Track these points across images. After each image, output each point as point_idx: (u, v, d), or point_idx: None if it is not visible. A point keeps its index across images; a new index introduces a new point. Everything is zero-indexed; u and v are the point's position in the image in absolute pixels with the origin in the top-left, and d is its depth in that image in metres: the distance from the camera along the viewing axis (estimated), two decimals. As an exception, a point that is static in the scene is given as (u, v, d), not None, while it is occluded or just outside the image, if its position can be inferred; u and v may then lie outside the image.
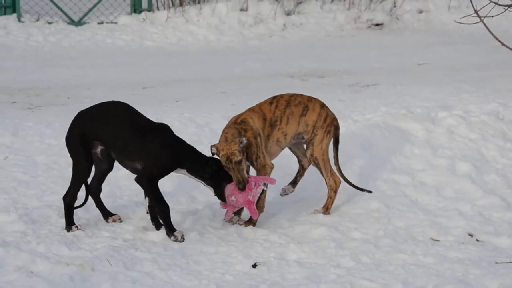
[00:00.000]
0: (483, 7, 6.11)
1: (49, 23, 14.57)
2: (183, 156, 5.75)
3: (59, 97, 9.91)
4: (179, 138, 5.87)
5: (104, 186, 6.67)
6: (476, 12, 5.68)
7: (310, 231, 5.98)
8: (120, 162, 5.85)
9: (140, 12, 15.37)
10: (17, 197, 6.35)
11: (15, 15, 14.56)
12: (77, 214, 6.01)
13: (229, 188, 5.82)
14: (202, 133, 8.29)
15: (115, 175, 6.99)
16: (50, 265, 5.16)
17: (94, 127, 5.73)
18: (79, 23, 14.86)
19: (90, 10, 15.27)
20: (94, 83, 10.73)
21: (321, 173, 6.25)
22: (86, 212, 6.08)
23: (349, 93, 10.29)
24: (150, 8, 15.49)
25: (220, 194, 5.84)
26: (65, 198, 5.81)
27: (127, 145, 5.69)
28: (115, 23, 14.99)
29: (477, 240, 5.98)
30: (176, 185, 6.77)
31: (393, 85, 10.58)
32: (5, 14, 14.60)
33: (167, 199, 6.46)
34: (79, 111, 5.91)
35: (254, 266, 5.40)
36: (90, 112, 5.84)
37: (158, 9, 15.47)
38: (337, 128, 6.30)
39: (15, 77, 10.98)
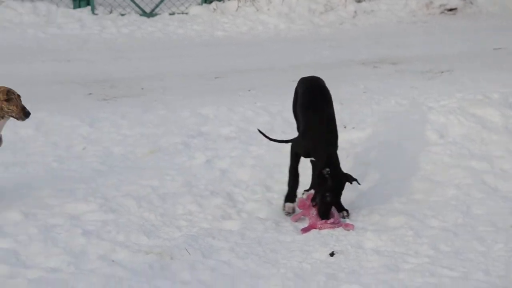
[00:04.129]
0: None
1: (122, 15, 14.76)
2: None
3: (133, 88, 10.03)
4: None
5: (179, 174, 6.75)
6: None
7: (387, 219, 5.92)
8: None
9: (210, 2, 15.44)
10: (96, 187, 6.45)
11: (89, 7, 14.79)
12: (153, 203, 6.09)
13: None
14: (274, 122, 8.30)
15: (190, 164, 7.06)
16: (130, 253, 5.23)
17: None
18: (151, 14, 15.02)
19: (161, 1, 15.40)
20: (167, 74, 10.83)
21: None
22: (163, 201, 6.14)
23: (423, 79, 10.16)
24: (220, -2, 15.56)
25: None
26: None
27: None
28: (186, 13, 15.10)
29: (559, 227, 5.83)
30: (251, 175, 6.78)
31: (468, 70, 10.40)
32: (79, 7, 14.85)
33: (243, 189, 6.50)
34: None
35: (332, 254, 5.38)
36: None
37: (228, -1, 15.53)
38: None
39: (90, 69, 11.16)
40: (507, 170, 6.84)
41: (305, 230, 5.76)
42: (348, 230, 5.74)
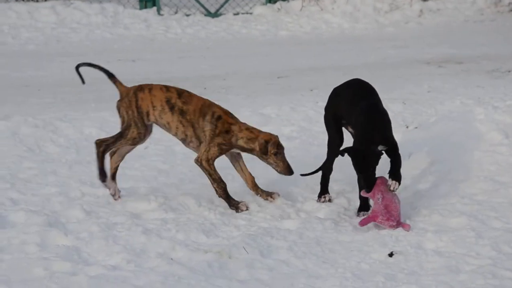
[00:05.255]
0: None
1: (187, 15, 14.90)
2: None
3: (196, 87, 10.08)
4: None
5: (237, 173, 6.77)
6: None
7: (448, 220, 5.84)
8: None
9: (275, 2, 15.46)
10: (157, 186, 6.53)
11: (155, 8, 14.97)
12: (213, 202, 6.12)
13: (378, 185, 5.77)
14: (337, 122, 8.24)
15: (251, 164, 7.08)
16: (189, 252, 5.27)
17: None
18: (215, 14, 15.11)
19: (226, 1, 15.49)
20: (230, 73, 10.89)
21: None
22: (223, 201, 6.17)
23: (489, 79, 9.99)
24: (284, -2, 15.56)
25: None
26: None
27: None
28: (251, 13, 15.15)
29: None
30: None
31: (536, 70, 10.20)
32: (145, 8, 15.04)
33: (302, 188, 6.48)
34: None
35: (391, 255, 5.33)
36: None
37: (292, -1, 15.52)
38: None
39: (154, 69, 11.29)
40: None
41: (363, 222, 5.73)
42: (406, 230, 5.68)
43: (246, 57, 12.19)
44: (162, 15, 14.83)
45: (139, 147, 7.55)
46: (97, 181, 6.23)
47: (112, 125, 8.09)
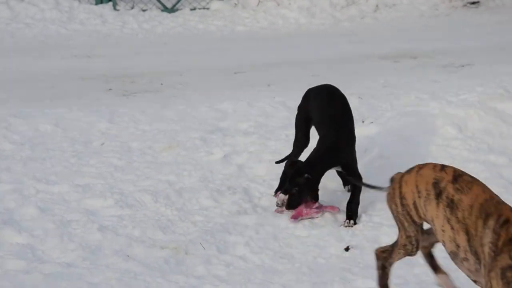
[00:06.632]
0: None
1: (143, 10, 14.80)
2: None
3: (153, 83, 10.06)
4: None
5: (197, 170, 6.77)
6: None
7: (403, 214, 5.89)
8: None
9: (232, -3, 15.43)
10: (113, 182, 6.48)
11: (111, 3, 14.84)
12: (170, 198, 6.10)
13: None
14: (293, 117, 8.23)
15: (208, 159, 7.07)
16: (146, 248, 5.25)
17: None
18: (172, 9, 15.04)
19: (182, -4, 15.42)
20: (187, 69, 10.85)
21: None
22: (180, 197, 6.16)
23: (443, 73, 10.09)
24: (241, -7, 15.54)
25: None
26: None
27: None
28: (207, 8, 15.10)
29: None
30: (268, 170, 6.78)
31: (490, 64, 10.31)
32: (101, 3, 14.90)
33: (259, 183, 6.49)
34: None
35: (347, 249, 5.37)
36: None
37: (249, -6, 15.51)
38: None
39: (111, 65, 11.20)
40: (526, 165, 6.79)
41: (293, 217, 5.82)
42: (334, 212, 5.82)
43: (203, 52, 12.15)
44: (118, 10, 14.71)
45: (96, 143, 7.50)
46: (53, 178, 6.17)
47: (68, 122, 8.02)
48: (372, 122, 7.76)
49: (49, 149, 7.29)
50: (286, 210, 5.86)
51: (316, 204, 5.86)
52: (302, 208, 5.84)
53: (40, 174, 6.59)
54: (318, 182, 5.88)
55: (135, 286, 4.75)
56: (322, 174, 5.89)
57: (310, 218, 5.83)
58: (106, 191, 6.21)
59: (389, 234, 5.54)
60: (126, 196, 6.13)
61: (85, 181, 6.45)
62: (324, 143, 5.90)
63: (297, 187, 5.76)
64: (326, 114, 6.01)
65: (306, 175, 5.74)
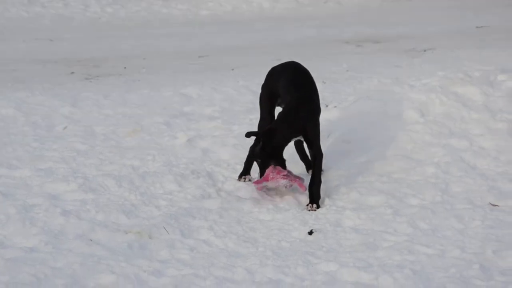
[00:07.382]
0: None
1: (106, -6, 14.68)
2: None
3: (116, 67, 10.00)
4: None
5: (161, 154, 6.75)
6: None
7: (366, 198, 5.95)
8: None
9: (195, -19, 15.36)
10: (76, 167, 6.45)
11: (72, -13, 14.70)
12: (133, 182, 6.08)
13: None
14: (257, 101, 8.27)
15: (172, 143, 7.06)
16: (109, 233, 5.24)
17: None
18: (135, -7, 14.94)
19: (145, -20, 15.31)
20: (151, 53, 10.80)
21: None
22: (144, 181, 6.14)
23: (406, 58, 10.16)
24: (205, -23, 15.48)
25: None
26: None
27: None
28: (171, -8, 15.02)
29: (537, 205, 5.87)
30: (232, 154, 6.79)
31: (451, 49, 10.41)
32: (62, -14, 14.75)
33: (223, 168, 6.50)
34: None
35: (310, 233, 5.40)
36: None
37: (213, -22, 15.45)
38: None
39: (73, 48, 11.12)
40: (486, 148, 6.87)
41: (257, 183, 5.85)
42: (302, 191, 5.83)
43: (167, 36, 12.11)
44: (80, -7, 14.58)
45: (59, 127, 7.44)
46: (15, 162, 6.11)
47: (30, 106, 7.95)
48: (335, 106, 7.80)
49: (11, 134, 7.23)
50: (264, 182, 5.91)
51: (285, 172, 5.85)
52: (268, 173, 5.83)
53: (1, 159, 6.53)
54: (281, 150, 5.86)
55: (98, 270, 4.74)
56: (285, 143, 5.86)
57: (276, 185, 5.82)
58: (69, 176, 6.17)
59: (352, 218, 5.59)
60: (89, 180, 6.10)
61: (48, 165, 6.40)
62: (285, 112, 5.88)
63: (256, 156, 5.79)
64: (291, 87, 6.00)
65: (260, 143, 5.77)
